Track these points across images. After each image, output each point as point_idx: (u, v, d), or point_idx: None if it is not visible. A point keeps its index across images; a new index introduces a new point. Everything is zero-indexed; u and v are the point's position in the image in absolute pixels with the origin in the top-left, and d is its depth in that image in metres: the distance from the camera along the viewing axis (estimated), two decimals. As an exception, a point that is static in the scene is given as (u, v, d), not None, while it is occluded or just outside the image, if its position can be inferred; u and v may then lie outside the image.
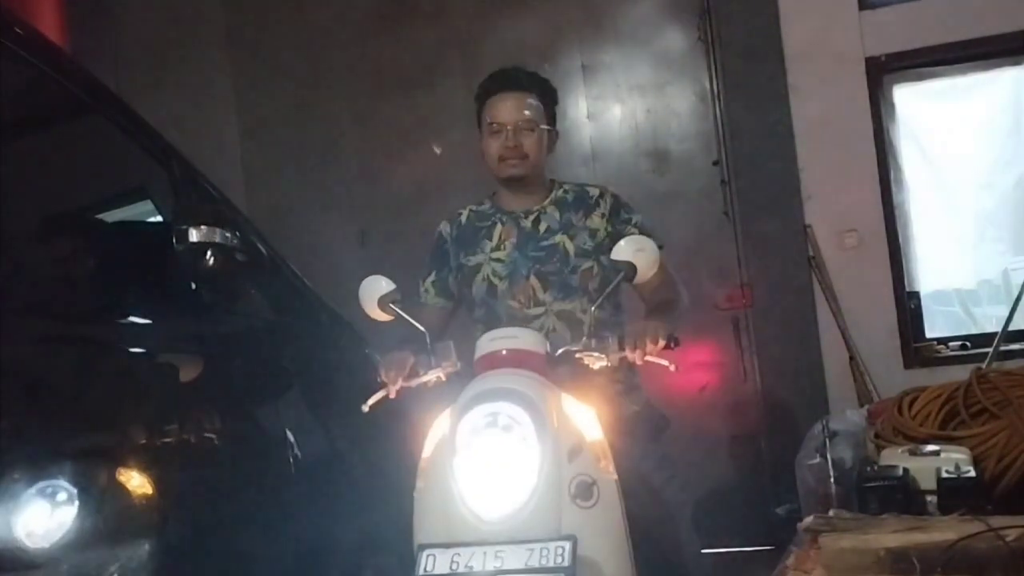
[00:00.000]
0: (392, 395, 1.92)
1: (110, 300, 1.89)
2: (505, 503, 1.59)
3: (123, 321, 1.92)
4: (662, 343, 1.81)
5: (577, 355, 1.86)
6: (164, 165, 2.10)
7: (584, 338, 1.87)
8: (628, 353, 1.82)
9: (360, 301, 2.03)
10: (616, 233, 2.17)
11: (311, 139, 4.64)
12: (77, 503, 1.50)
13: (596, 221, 2.21)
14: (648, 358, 1.82)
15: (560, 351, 1.87)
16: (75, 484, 1.50)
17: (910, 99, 4.15)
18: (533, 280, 2.17)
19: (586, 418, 1.74)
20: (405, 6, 4.59)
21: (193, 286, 2.03)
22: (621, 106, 4.38)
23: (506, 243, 2.21)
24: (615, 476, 1.68)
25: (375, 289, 2.00)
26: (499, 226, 2.24)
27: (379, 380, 1.93)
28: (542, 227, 2.21)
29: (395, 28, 4.57)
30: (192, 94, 4.68)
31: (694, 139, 4.29)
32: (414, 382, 1.91)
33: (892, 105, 4.14)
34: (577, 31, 4.41)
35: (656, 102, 4.34)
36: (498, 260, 2.21)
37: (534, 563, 1.49)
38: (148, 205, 2.30)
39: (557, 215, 2.22)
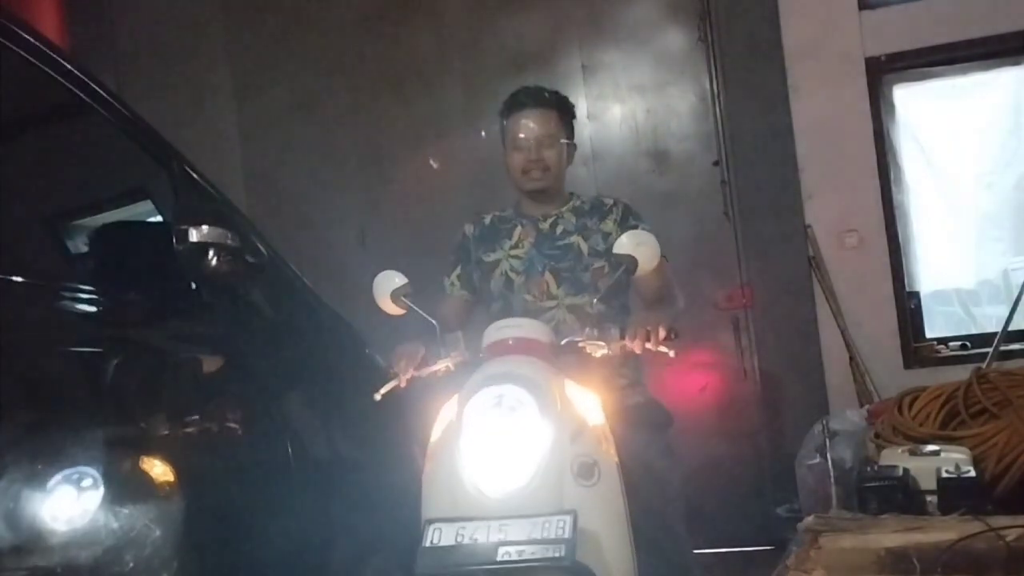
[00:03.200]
0: (403, 384, 1.98)
1: (133, 299, 1.94)
2: (509, 480, 1.66)
3: (145, 319, 1.96)
4: (662, 334, 1.88)
5: (580, 343, 1.93)
6: (164, 165, 2.09)
7: (588, 329, 1.95)
8: (628, 342, 1.90)
9: (373, 295, 2.11)
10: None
11: (311, 139, 4.63)
12: (101, 489, 1.54)
13: (609, 225, 2.32)
14: (648, 346, 1.88)
15: (564, 341, 1.95)
16: (100, 471, 1.55)
17: (910, 99, 4.16)
18: (547, 276, 2.28)
19: (589, 403, 1.81)
20: (405, 6, 4.59)
21: (193, 286, 2.03)
22: (621, 106, 4.38)
23: (524, 242, 2.34)
24: (616, 458, 1.75)
25: (388, 283, 2.08)
26: (519, 228, 2.36)
27: (390, 370, 2.00)
28: (559, 229, 2.34)
29: (395, 28, 4.57)
30: (192, 94, 4.68)
31: (694, 139, 4.29)
32: (424, 372, 1.98)
33: (892, 105, 4.14)
34: (577, 31, 4.41)
35: (656, 102, 4.34)
36: (516, 257, 2.33)
37: (536, 535, 1.55)
38: (148, 205, 2.30)
39: (573, 219, 2.35)
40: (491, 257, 2.35)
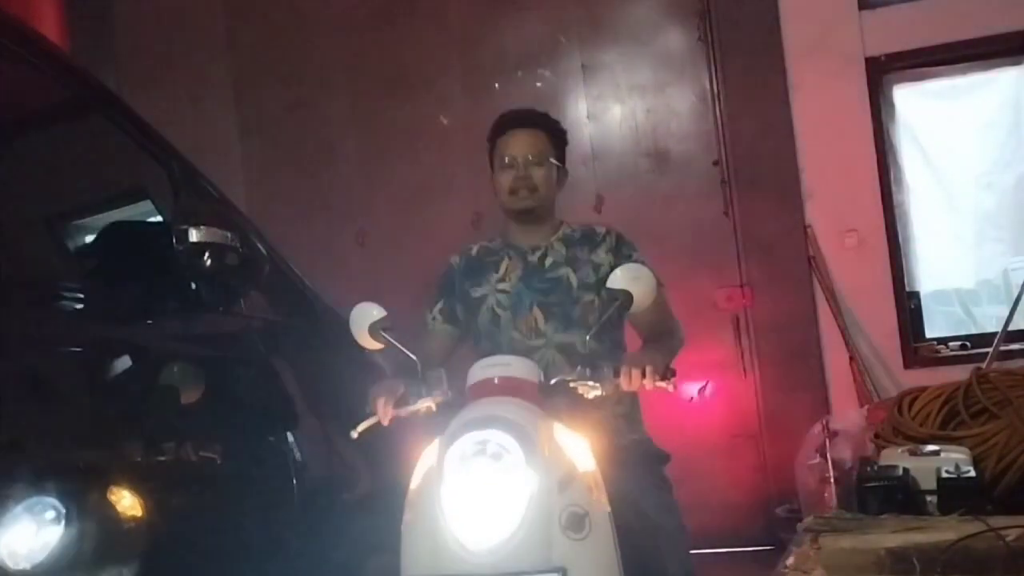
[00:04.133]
0: (385, 422, 1.89)
1: (105, 307, 1.88)
2: (493, 533, 1.56)
3: (118, 330, 1.89)
4: (657, 375, 1.79)
5: (571, 384, 1.83)
6: (164, 165, 2.09)
7: (579, 367, 1.84)
8: (622, 383, 1.80)
9: (351, 328, 1.99)
10: (618, 266, 2.14)
11: (311, 139, 4.64)
12: (64, 523, 1.43)
13: (601, 256, 2.23)
14: (644, 383, 1.79)
15: (554, 380, 1.84)
16: (64, 502, 1.44)
17: (910, 99, 4.16)
18: (536, 311, 2.18)
19: (579, 448, 1.70)
20: (405, 6, 4.59)
21: (192, 287, 2.02)
22: (621, 106, 4.38)
23: (511, 275, 2.24)
24: (608, 508, 1.65)
25: (366, 316, 1.96)
26: (506, 260, 2.27)
27: (368, 409, 1.90)
28: (548, 262, 2.24)
29: (395, 28, 4.57)
30: (192, 94, 4.68)
31: (694, 139, 4.30)
32: (404, 411, 1.88)
33: (892, 105, 4.14)
34: (577, 31, 4.41)
35: (656, 102, 4.34)
36: (503, 291, 2.23)
37: None
38: (148, 205, 2.31)
39: (563, 250, 2.25)
40: (478, 292, 2.25)
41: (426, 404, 1.86)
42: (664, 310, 2.14)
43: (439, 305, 2.31)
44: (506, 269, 2.25)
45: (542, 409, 1.73)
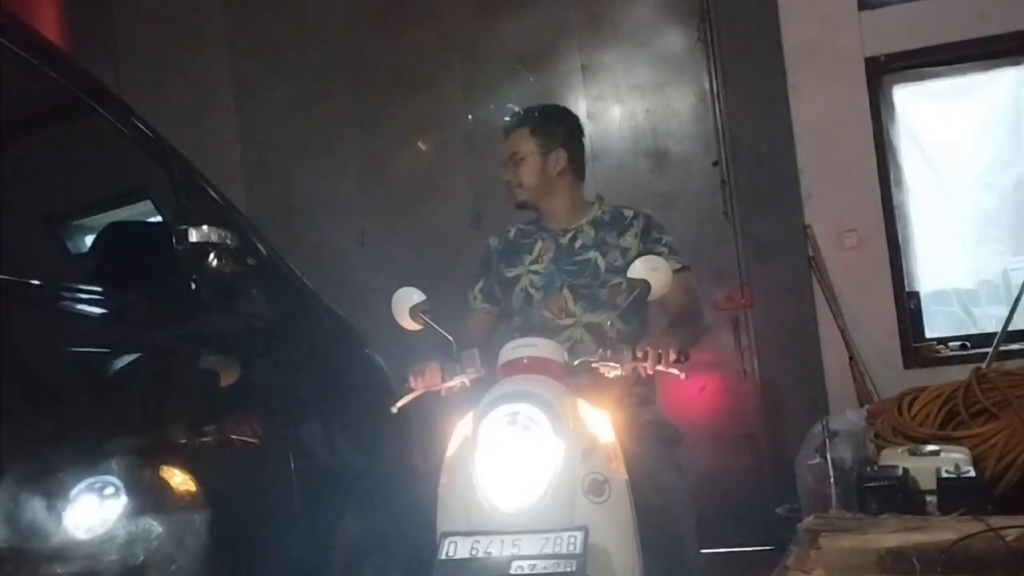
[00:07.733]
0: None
1: (154, 303, 1.96)
2: (523, 496, 1.71)
3: (165, 324, 1.99)
4: (672, 357, 1.92)
5: (593, 364, 1.98)
6: (164, 165, 2.09)
7: (600, 349, 1.98)
8: (639, 364, 1.93)
9: (392, 311, 2.15)
10: (646, 251, 2.29)
11: (311, 139, 4.64)
12: (121, 497, 1.57)
13: (629, 240, 2.37)
14: (659, 367, 1.92)
15: (577, 361, 1.99)
16: (121, 480, 1.58)
17: (910, 99, 4.16)
18: (566, 292, 2.34)
19: (600, 421, 1.85)
20: (405, 6, 4.59)
21: (192, 286, 2.02)
22: (621, 106, 4.38)
23: (544, 257, 2.40)
24: (625, 476, 1.79)
25: (407, 299, 2.13)
26: (540, 242, 2.43)
27: (408, 386, 2.07)
28: (577, 244, 2.39)
29: (395, 28, 4.58)
30: (192, 94, 4.68)
31: (694, 139, 4.30)
32: (441, 387, 2.04)
33: (892, 105, 4.15)
34: (577, 31, 4.41)
35: (656, 102, 4.34)
36: (536, 272, 2.39)
37: (548, 550, 1.60)
38: (148, 205, 2.31)
39: (592, 233, 2.40)
40: (512, 272, 2.41)
41: (461, 380, 2.03)
42: (687, 291, 2.29)
43: (479, 285, 2.48)
44: (539, 251, 2.42)
45: (567, 386, 1.87)
